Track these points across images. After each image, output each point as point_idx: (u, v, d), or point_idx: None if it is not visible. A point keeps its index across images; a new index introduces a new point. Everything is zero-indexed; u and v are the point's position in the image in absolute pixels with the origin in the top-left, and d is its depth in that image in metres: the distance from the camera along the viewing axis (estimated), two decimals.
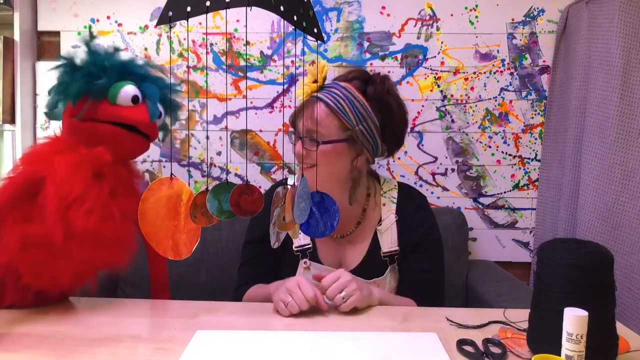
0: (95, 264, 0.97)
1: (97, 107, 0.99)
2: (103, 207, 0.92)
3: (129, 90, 1.00)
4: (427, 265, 1.16)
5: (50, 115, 1.06)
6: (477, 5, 1.73)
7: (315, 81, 1.07)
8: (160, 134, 1.13)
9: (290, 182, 1.22)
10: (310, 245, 1.16)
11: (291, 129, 1.14)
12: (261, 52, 1.75)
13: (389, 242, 1.16)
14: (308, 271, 1.14)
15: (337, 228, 0.90)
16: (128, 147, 1.03)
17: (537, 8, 1.73)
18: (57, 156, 0.94)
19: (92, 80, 0.97)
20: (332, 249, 1.17)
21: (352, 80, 1.09)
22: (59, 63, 1.00)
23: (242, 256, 1.23)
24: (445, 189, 1.79)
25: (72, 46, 1.74)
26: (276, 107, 1.76)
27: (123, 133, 1.00)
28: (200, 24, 1.73)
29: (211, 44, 1.76)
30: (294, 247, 1.16)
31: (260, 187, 1.71)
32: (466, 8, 1.74)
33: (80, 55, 1.01)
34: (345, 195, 1.13)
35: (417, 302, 1.13)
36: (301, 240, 1.16)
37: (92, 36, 1.03)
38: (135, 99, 1.00)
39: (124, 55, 1.07)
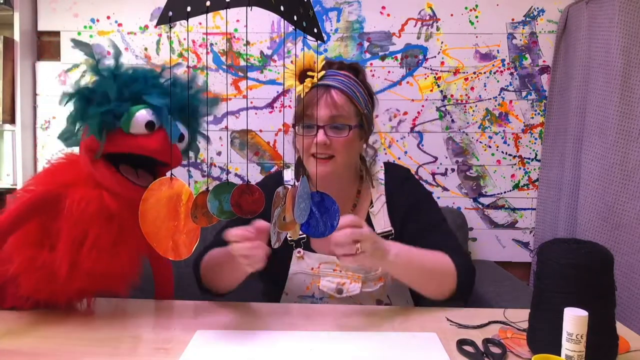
0: (95, 290, 0.97)
1: (111, 138, 0.91)
2: (112, 247, 0.91)
3: (141, 117, 0.91)
4: (428, 219, 1.12)
5: (67, 143, 0.98)
6: (477, 5, 1.74)
7: (309, 70, 1.06)
8: (190, 153, 1.07)
9: (286, 176, 1.21)
10: (304, 235, 1.16)
11: (306, 122, 1.07)
12: (261, 52, 1.75)
13: (381, 223, 1.15)
14: (302, 260, 1.14)
15: None
16: (133, 196, 0.91)
17: (537, 8, 1.73)
18: (72, 188, 0.91)
19: (106, 112, 0.90)
20: (326, 237, 1.17)
21: (344, 70, 1.12)
22: (69, 92, 0.92)
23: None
24: (445, 189, 1.79)
25: (72, 47, 1.75)
26: (276, 107, 1.76)
27: (127, 186, 0.92)
28: (200, 24, 1.73)
29: (211, 44, 1.76)
30: (287, 237, 1.15)
31: None
32: (466, 8, 1.74)
33: (85, 58, 0.95)
34: (355, 182, 1.16)
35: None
36: None
37: (91, 54, 0.95)
38: (150, 125, 0.92)
39: (130, 61, 1.00)
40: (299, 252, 1.15)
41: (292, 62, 1.09)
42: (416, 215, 1.14)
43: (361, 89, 1.10)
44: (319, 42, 0.79)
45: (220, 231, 1.17)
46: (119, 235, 0.92)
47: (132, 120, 0.91)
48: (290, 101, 1.74)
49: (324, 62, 1.10)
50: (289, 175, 1.22)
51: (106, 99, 0.91)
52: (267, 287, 1.23)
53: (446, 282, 1.01)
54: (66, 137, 0.97)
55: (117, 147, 0.92)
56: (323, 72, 1.07)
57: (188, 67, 1.75)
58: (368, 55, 1.75)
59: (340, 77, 1.08)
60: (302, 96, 1.06)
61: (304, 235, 1.15)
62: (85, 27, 1.75)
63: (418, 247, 1.00)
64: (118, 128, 0.91)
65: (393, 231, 1.15)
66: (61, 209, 0.90)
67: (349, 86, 1.08)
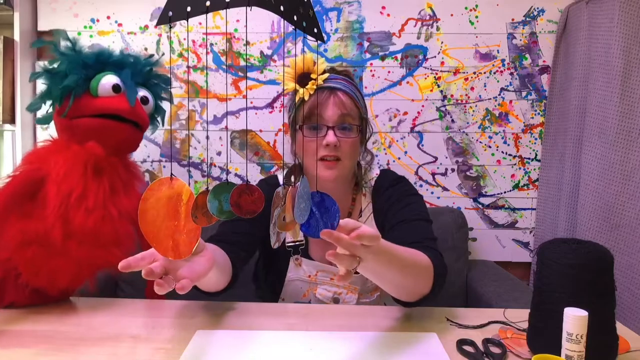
0: (92, 264, 0.97)
1: (81, 102, 1.02)
2: (103, 206, 0.93)
3: (108, 80, 1.03)
4: (407, 212, 1.07)
5: (40, 120, 1.09)
6: (477, 5, 1.74)
7: (307, 73, 1.06)
8: (158, 118, 1.15)
9: (280, 179, 1.21)
10: (302, 241, 1.16)
11: (313, 124, 1.04)
12: (261, 52, 1.75)
13: None
14: (299, 267, 1.14)
15: None
16: (118, 137, 1.04)
17: (537, 8, 1.73)
18: (54, 155, 0.96)
19: (73, 80, 1.01)
20: (322, 245, 1.16)
21: (339, 75, 1.13)
22: (37, 71, 1.04)
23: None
24: (445, 189, 1.79)
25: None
26: (276, 107, 1.76)
27: (108, 124, 1.02)
28: (200, 24, 1.73)
29: (211, 44, 1.76)
30: (286, 243, 1.15)
31: None
32: (466, 8, 1.74)
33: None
34: (351, 189, 1.16)
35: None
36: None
37: (62, 39, 1.08)
38: (116, 88, 1.03)
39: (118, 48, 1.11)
40: (296, 258, 1.14)
41: (288, 65, 1.09)
42: (396, 206, 1.09)
43: (360, 94, 1.11)
44: (319, 42, 0.79)
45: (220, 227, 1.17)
46: (110, 194, 0.97)
47: (99, 84, 1.02)
48: (291, 101, 1.74)
49: (324, 65, 1.10)
50: (282, 179, 1.22)
51: (74, 71, 1.02)
52: (264, 292, 1.23)
53: (423, 279, 0.89)
54: (34, 108, 1.06)
55: (86, 110, 1.01)
56: (327, 75, 1.06)
57: (188, 67, 1.75)
58: (368, 55, 1.75)
59: (341, 81, 1.09)
60: (306, 98, 1.05)
61: (302, 242, 1.15)
62: (85, 27, 1.75)
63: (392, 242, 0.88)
64: (86, 93, 1.02)
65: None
66: (45, 178, 0.93)
67: (351, 89, 1.08)
